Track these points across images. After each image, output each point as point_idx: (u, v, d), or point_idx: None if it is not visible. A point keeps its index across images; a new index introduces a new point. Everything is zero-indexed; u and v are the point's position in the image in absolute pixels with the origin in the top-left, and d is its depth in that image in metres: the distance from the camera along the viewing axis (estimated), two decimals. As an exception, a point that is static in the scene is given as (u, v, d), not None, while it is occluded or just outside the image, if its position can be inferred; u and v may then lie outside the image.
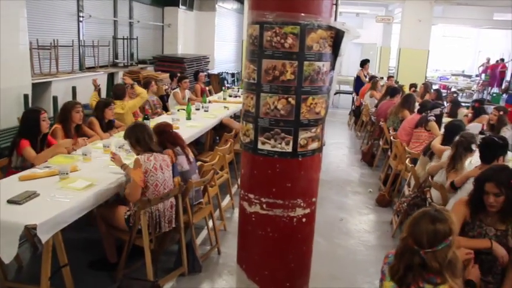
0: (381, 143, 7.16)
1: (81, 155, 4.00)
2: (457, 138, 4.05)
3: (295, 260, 2.64)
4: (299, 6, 2.28)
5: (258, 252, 2.64)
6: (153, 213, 3.36)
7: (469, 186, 3.47)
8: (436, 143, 4.58)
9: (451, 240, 2.06)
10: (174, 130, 4.22)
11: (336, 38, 2.35)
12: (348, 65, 22.52)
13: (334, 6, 2.45)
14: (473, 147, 3.90)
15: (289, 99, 2.30)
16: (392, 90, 7.84)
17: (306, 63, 2.28)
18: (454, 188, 3.64)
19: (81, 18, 8.21)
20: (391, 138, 6.00)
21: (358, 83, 11.53)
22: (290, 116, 2.32)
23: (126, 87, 6.21)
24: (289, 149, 2.37)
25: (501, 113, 5.70)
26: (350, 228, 4.93)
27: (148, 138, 3.51)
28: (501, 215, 2.75)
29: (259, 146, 2.40)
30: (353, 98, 11.70)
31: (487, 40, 22.61)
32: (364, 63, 11.96)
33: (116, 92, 6.05)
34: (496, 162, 3.47)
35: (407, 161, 4.72)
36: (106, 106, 5.07)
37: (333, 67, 2.40)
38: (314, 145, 2.43)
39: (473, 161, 3.95)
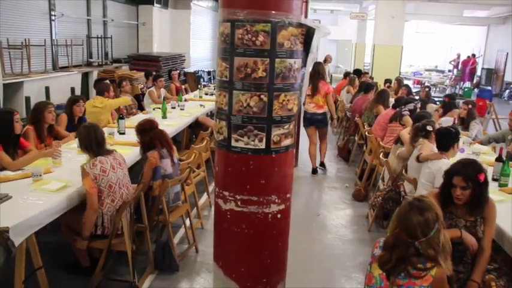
0: (356, 138, 7.26)
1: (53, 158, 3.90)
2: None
3: (271, 256, 2.66)
4: (270, 4, 2.29)
5: (234, 249, 2.65)
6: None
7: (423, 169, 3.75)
8: (405, 133, 4.71)
9: (439, 224, 2.17)
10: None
11: (307, 35, 2.38)
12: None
13: (305, 3, 2.47)
14: (428, 128, 4.15)
15: (262, 96, 2.32)
16: (366, 86, 7.94)
17: (277, 60, 2.30)
18: (418, 160, 3.90)
19: (53, 17, 8.07)
20: (366, 133, 6.08)
21: None
22: (263, 113, 2.34)
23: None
24: (262, 145, 2.38)
25: (470, 106, 5.84)
26: (327, 223, 4.98)
27: (94, 143, 3.39)
28: (468, 207, 2.83)
29: (233, 143, 2.42)
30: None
31: (460, 36, 23.08)
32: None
33: (98, 86, 5.99)
34: (452, 149, 3.74)
35: (381, 155, 4.80)
36: (74, 103, 4.99)
37: (304, 64, 2.43)
38: (287, 141, 2.46)
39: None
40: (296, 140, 6.74)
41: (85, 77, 8.77)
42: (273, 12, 2.27)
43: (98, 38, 9.69)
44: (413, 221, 2.14)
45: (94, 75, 8.87)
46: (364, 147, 6.31)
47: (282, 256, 2.78)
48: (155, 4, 11.61)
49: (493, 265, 2.93)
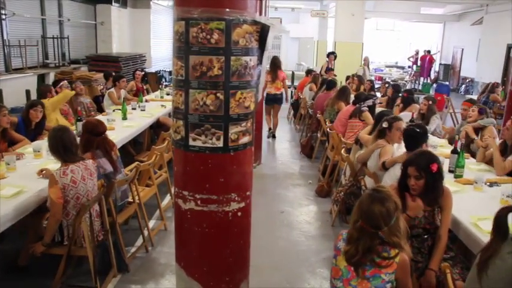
0: (318, 135, 7.33)
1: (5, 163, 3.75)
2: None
3: (233, 254, 2.65)
4: (224, 2, 2.27)
5: (196, 249, 2.63)
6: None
7: (393, 172, 3.71)
8: (364, 133, 4.78)
9: (398, 212, 2.26)
10: (107, 131, 4.05)
11: (262, 32, 2.38)
12: (286, 60, 22.84)
13: (260, 1, 2.47)
14: (384, 124, 4.18)
15: (218, 94, 2.30)
16: (329, 83, 8.02)
17: (232, 58, 2.29)
18: (385, 168, 3.88)
19: (3, 16, 7.78)
20: (328, 129, 6.16)
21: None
22: (219, 111, 2.33)
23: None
24: (220, 144, 2.37)
25: (430, 102, 6.01)
26: (291, 220, 5.02)
27: (61, 147, 3.26)
28: (424, 197, 2.90)
29: (191, 142, 2.39)
30: (291, 91, 11.88)
31: (418, 33, 23.70)
32: (327, 55, 12.15)
33: (39, 92, 5.83)
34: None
35: (342, 151, 4.86)
36: (31, 107, 4.85)
37: (260, 61, 2.42)
38: (245, 139, 2.45)
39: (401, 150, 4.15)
40: (258, 138, 6.92)
41: (41, 78, 8.52)
42: (227, 10, 2.26)
43: (53, 38, 9.43)
44: (375, 211, 2.21)
45: (51, 77, 8.63)
46: (327, 144, 6.38)
47: (244, 254, 2.78)
48: (113, 3, 11.40)
49: (449, 254, 3.02)
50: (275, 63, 8.37)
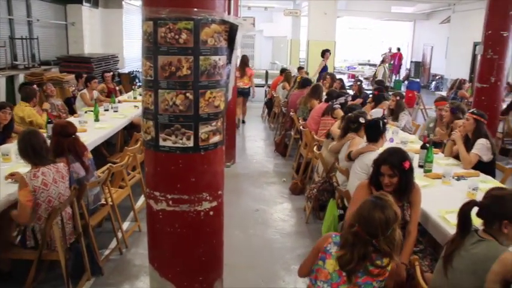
0: (292, 133, 7.38)
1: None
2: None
3: (206, 254, 2.65)
4: (192, 2, 2.27)
5: (168, 250, 2.63)
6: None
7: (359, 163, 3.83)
8: (335, 127, 4.86)
9: (396, 223, 2.25)
10: (78, 133, 4.00)
11: (231, 31, 2.39)
12: (260, 59, 22.90)
13: (228, 1, 2.48)
14: (361, 120, 4.29)
15: (187, 94, 2.31)
16: (303, 82, 8.06)
17: (201, 57, 2.29)
18: (350, 158, 3.98)
19: (-33, 16, 7.57)
20: (301, 127, 6.21)
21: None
22: (189, 111, 2.33)
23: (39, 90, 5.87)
24: (190, 144, 2.37)
25: (398, 98, 6.12)
26: (266, 218, 5.05)
27: (31, 151, 3.22)
28: (396, 194, 2.97)
29: (161, 142, 2.38)
30: (265, 90, 11.93)
31: (390, 31, 24.11)
32: (323, 53, 12.21)
33: (24, 92, 5.70)
34: (381, 139, 3.88)
35: (315, 149, 4.92)
36: None
37: (229, 61, 2.44)
38: (216, 138, 2.46)
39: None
40: (232, 137, 6.93)
41: (10, 80, 8.31)
42: (196, 9, 2.26)
43: (22, 39, 9.20)
44: (375, 218, 2.21)
45: (20, 78, 8.44)
46: (300, 142, 6.44)
47: (218, 253, 2.78)
48: (84, 3, 11.19)
49: (418, 247, 3.10)
50: (244, 61, 9.76)
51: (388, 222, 2.21)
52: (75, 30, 11.23)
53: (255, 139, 8.94)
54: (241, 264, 3.97)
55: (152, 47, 2.32)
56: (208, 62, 2.32)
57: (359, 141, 4.13)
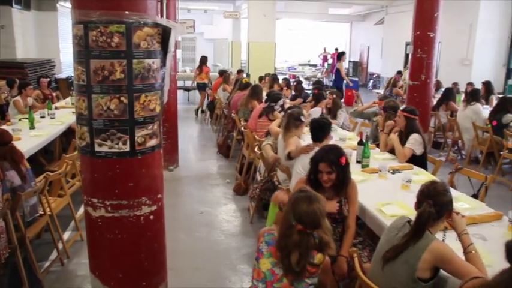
0: (234, 134, 7.43)
1: None
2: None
3: (148, 259, 2.63)
4: (123, 5, 2.26)
5: (109, 257, 2.59)
6: None
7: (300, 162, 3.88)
8: (274, 125, 4.94)
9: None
10: (13, 141, 3.83)
11: (164, 34, 2.39)
12: (202, 61, 22.68)
13: (161, 3, 2.48)
14: (302, 118, 4.39)
15: (122, 98, 2.28)
16: (244, 84, 8.09)
17: (135, 61, 2.28)
18: (290, 157, 4.02)
19: None
20: (243, 128, 6.26)
21: (337, 76, 12.19)
22: (124, 115, 2.30)
23: None
24: (127, 148, 2.35)
25: (334, 96, 6.31)
26: (210, 219, 5.05)
27: None
28: (335, 189, 3.07)
29: (96, 148, 2.35)
30: (207, 93, 11.93)
31: (329, 32, 24.79)
32: (341, 55, 12.60)
33: None
34: (326, 140, 3.92)
35: (256, 149, 4.98)
36: None
37: (164, 63, 2.43)
38: (153, 142, 2.45)
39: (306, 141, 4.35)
40: (175, 141, 6.87)
41: None
42: (127, 12, 2.24)
43: None
44: (315, 210, 2.28)
45: None
46: (242, 143, 6.49)
47: (160, 257, 2.77)
48: (14, 5, 10.66)
49: (358, 239, 3.22)
50: (202, 61, 12.13)
51: (322, 211, 2.31)
52: (5, 34, 10.69)
53: (198, 142, 8.91)
54: (187, 267, 3.95)
55: (84, 51, 2.28)
56: (142, 65, 2.30)
57: (295, 141, 4.20)
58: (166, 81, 2.45)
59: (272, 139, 4.93)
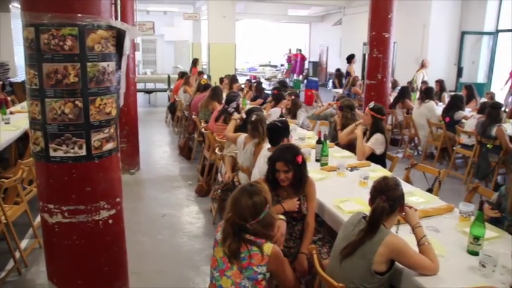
0: (195, 136, 7.41)
1: None
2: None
3: (108, 264, 2.61)
4: (75, 7, 2.23)
5: (68, 263, 2.55)
6: None
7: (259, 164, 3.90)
8: (229, 132, 4.94)
9: (269, 207, 2.37)
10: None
11: (119, 37, 2.38)
12: (162, 64, 22.59)
13: (115, 6, 2.46)
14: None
15: (76, 102, 2.26)
16: (205, 86, 8.07)
17: (89, 64, 2.26)
18: None
19: None
20: (203, 130, 6.26)
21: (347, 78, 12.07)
22: (79, 119, 2.28)
23: None
24: (83, 152, 2.32)
25: (293, 97, 6.40)
26: (173, 222, 5.03)
27: None
28: (292, 187, 3.13)
29: (51, 153, 2.31)
30: (168, 95, 11.85)
31: (289, 33, 25.05)
32: (350, 58, 12.59)
33: None
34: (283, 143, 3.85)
35: (217, 150, 4.99)
36: None
37: (119, 66, 2.42)
38: (109, 145, 2.43)
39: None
40: (136, 144, 6.80)
41: None
42: (80, 15, 2.22)
43: None
44: (242, 204, 2.32)
45: None
46: (203, 144, 6.48)
47: (121, 261, 2.75)
48: (-38, 7, 10.27)
49: (317, 236, 3.29)
50: (194, 62, 12.73)
51: (256, 207, 2.34)
52: (-47, 36, 10.28)
53: (159, 144, 8.83)
54: (150, 271, 3.93)
55: (35, 55, 2.24)
56: (96, 68, 2.29)
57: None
58: (122, 84, 2.43)
59: (232, 146, 4.92)
